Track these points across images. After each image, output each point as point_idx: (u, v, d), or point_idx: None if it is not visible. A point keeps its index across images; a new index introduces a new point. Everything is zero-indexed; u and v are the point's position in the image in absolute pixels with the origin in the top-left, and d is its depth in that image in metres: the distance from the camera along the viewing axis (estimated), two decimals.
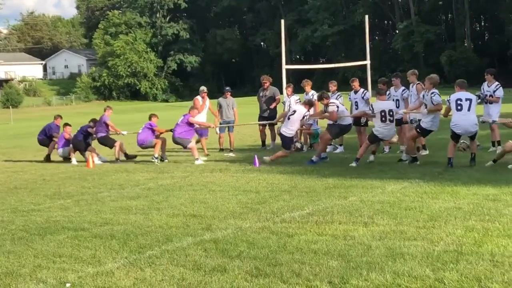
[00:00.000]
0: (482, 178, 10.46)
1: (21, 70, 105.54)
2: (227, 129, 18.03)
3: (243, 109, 28.99)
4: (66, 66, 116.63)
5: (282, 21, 22.01)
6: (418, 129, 12.94)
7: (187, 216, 8.68)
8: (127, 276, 6.03)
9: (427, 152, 14.53)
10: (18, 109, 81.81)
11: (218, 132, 18.36)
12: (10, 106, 75.51)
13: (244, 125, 21.33)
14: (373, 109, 13.66)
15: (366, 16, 22.30)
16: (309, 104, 14.70)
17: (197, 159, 15.23)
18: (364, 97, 16.20)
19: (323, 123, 15.91)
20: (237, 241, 7.03)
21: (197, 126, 16.24)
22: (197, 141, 17.23)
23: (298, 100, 17.63)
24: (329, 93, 16.39)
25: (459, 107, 12.03)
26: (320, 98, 14.64)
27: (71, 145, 17.38)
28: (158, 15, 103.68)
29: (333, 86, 16.71)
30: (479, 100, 13.57)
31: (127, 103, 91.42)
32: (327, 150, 16.35)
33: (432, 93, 12.74)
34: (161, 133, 16.59)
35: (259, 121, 18.43)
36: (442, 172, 11.45)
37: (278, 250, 6.60)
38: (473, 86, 13.51)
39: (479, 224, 7.22)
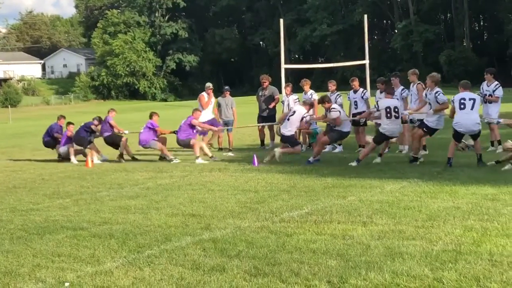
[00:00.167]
0: (481, 177, 10.46)
1: (20, 69, 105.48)
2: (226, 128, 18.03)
3: (242, 109, 29.00)
4: (64, 65, 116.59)
5: (281, 21, 22.00)
6: (424, 128, 12.88)
7: (186, 216, 8.68)
8: (126, 275, 6.04)
9: (426, 152, 14.52)
10: (17, 108, 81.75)
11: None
12: (9, 106, 75.45)
13: (244, 127, 21.30)
14: (378, 106, 13.63)
15: (365, 16, 22.29)
16: (309, 104, 14.70)
17: (197, 157, 15.22)
18: (364, 97, 16.23)
19: (322, 123, 15.88)
20: (236, 241, 7.03)
21: (199, 128, 16.20)
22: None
23: (297, 100, 17.64)
24: (329, 93, 16.43)
25: (462, 106, 12.02)
26: (321, 102, 14.60)
27: (73, 144, 17.39)
28: (157, 14, 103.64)
29: (332, 85, 16.71)
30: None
31: (126, 103, 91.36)
32: (326, 149, 16.38)
33: (436, 92, 12.70)
34: (163, 133, 16.59)
35: (258, 120, 18.42)
36: (441, 172, 11.45)
37: (277, 249, 6.60)
38: (473, 86, 13.46)
39: (478, 223, 7.23)
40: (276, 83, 19.02)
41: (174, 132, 16.35)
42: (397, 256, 6.05)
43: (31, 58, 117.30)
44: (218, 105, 18.22)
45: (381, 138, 13.48)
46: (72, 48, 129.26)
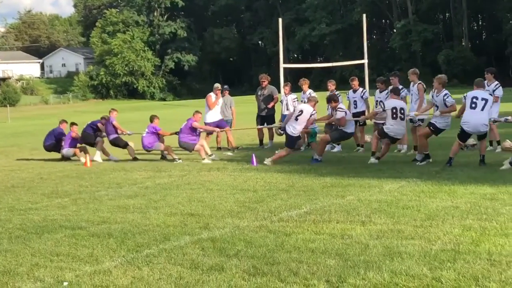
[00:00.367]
0: (480, 177, 10.47)
1: (19, 68, 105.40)
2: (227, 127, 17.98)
3: (241, 108, 29.04)
4: (63, 65, 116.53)
5: (280, 20, 21.98)
6: (431, 127, 12.77)
7: (184, 215, 8.68)
8: (125, 275, 6.03)
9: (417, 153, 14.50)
10: (16, 107, 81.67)
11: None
12: (8, 105, 75.37)
13: (243, 129, 21.27)
14: (384, 106, 13.59)
15: (364, 15, 22.28)
16: (314, 101, 14.62)
17: (203, 158, 15.20)
18: (363, 96, 16.23)
19: (321, 122, 15.87)
20: (235, 240, 7.03)
21: (200, 130, 16.15)
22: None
23: (295, 99, 17.64)
24: (328, 92, 16.41)
25: (473, 105, 11.92)
26: (329, 101, 14.56)
27: (78, 145, 17.38)
28: (155, 13, 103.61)
29: (331, 85, 16.70)
30: None
31: (125, 102, 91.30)
32: (325, 149, 16.38)
33: (445, 94, 12.60)
34: (165, 135, 16.58)
35: (257, 120, 18.41)
36: (440, 171, 11.45)
37: (276, 249, 6.60)
38: (471, 86, 13.46)
39: (477, 223, 7.23)
40: (275, 82, 19.02)
41: (176, 133, 16.33)
42: (395, 256, 6.05)
43: (29, 57, 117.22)
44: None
45: (384, 136, 13.44)
46: (70, 47, 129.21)
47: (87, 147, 17.39)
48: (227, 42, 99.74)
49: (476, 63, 69.50)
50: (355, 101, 16.32)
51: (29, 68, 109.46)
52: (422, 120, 14.74)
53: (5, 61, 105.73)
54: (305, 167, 13.08)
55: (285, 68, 20.57)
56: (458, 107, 12.56)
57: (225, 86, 18.85)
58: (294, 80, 20.65)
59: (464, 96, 12.26)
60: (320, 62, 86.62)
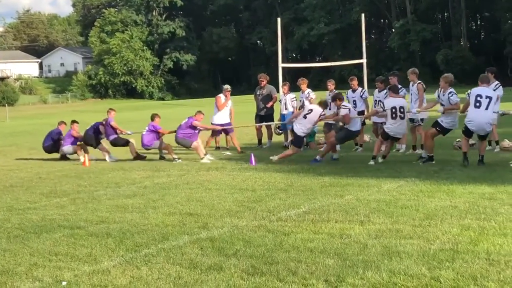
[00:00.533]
0: (478, 176, 10.47)
1: (17, 68, 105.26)
2: None
3: (240, 108, 29.00)
4: (62, 64, 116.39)
5: (279, 20, 21.93)
6: (438, 128, 12.63)
7: (183, 215, 8.68)
8: (123, 274, 6.03)
9: (423, 151, 14.49)
10: (14, 107, 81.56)
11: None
12: (6, 104, 75.27)
13: (243, 127, 21.28)
14: (384, 106, 13.57)
15: (363, 15, 22.22)
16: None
17: (202, 158, 15.18)
18: (363, 96, 16.20)
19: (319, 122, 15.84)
20: (233, 240, 7.03)
21: (200, 129, 16.11)
22: (208, 138, 17.53)
23: (294, 98, 17.64)
24: (327, 92, 16.43)
25: (477, 104, 11.79)
26: (334, 99, 14.54)
27: (78, 143, 17.34)
28: (154, 13, 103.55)
29: (331, 85, 16.70)
30: None
31: (123, 101, 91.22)
32: (323, 148, 16.37)
33: (450, 93, 12.47)
34: (164, 134, 16.55)
35: (256, 119, 18.39)
36: (438, 171, 11.45)
37: (274, 248, 6.61)
38: (471, 85, 13.47)
39: (475, 222, 7.23)
40: (274, 82, 19.00)
41: (175, 131, 16.33)
42: (394, 255, 6.06)
43: (28, 57, 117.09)
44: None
45: (386, 136, 13.43)
46: (69, 47, 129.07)
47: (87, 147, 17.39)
48: (226, 42, 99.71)
49: (474, 62, 69.51)
50: (354, 100, 16.30)
51: (28, 68, 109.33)
52: (422, 120, 14.74)
53: (3, 61, 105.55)
54: (303, 167, 13.08)
55: (283, 68, 20.54)
56: (462, 105, 12.51)
57: (225, 86, 18.81)
58: (292, 79, 20.67)
59: (468, 93, 12.17)
60: (319, 61, 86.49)
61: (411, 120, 14.48)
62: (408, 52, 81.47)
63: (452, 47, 79.15)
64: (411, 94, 14.87)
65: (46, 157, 18.14)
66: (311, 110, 14.12)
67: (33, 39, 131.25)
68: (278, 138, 18.62)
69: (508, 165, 11.79)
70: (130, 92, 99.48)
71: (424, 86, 14.89)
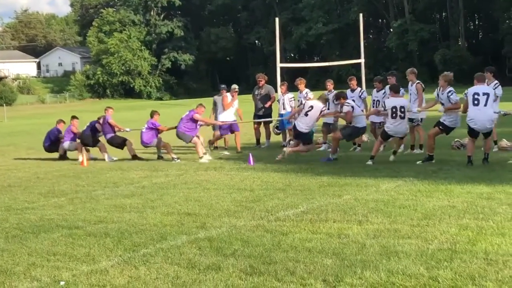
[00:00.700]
0: (476, 176, 10.48)
1: (15, 67, 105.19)
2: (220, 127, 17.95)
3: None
4: (60, 64, 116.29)
5: (277, 19, 21.95)
6: (440, 126, 12.60)
7: (181, 215, 8.67)
8: (122, 274, 6.03)
9: (421, 151, 14.50)
10: (12, 107, 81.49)
11: (214, 130, 18.29)
12: (4, 104, 75.22)
13: (241, 123, 21.26)
14: (385, 105, 13.54)
15: (361, 15, 22.25)
16: (324, 99, 14.58)
17: (200, 157, 15.16)
18: (362, 96, 16.18)
19: (318, 122, 15.85)
20: (232, 240, 7.03)
21: (201, 123, 16.03)
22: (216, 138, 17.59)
23: (292, 98, 17.65)
24: (326, 92, 16.42)
25: (475, 102, 11.73)
26: (337, 98, 14.53)
27: (78, 140, 17.32)
28: (152, 13, 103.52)
29: (330, 84, 16.71)
30: None
31: (121, 101, 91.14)
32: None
33: (449, 91, 12.47)
34: (164, 131, 16.50)
35: (254, 119, 18.37)
36: (436, 171, 11.45)
37: (273, 248, 6.60)
38: (469, 85, 13.47)
39: (473, 222, 7.24)
40: (272, 82, 19.02)
41: (175, 128, 16.32)
42: (392, 255, 6.06)
43: (26, 56, 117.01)
44: (214, 104, 18.18)
45: (386, 136, 13.42)
46: (67, 46, 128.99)
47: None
48: (224, 42, 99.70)
49: (472, 62, 69.52)
50: (353, 100, 16.26)
51: (26, 68, 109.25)
52: (421, 120, 14.74)
53: (1, 61, 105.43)
54: (302, 167, 13.08)
55: (282, 68, 20.57)
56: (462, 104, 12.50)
57: (223, 86, 18.81)
58: (291, 79, 20.67)
59: (466, 93, 12.12)
60: (317, 61, 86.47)
61: (410, 120, 14.46)
62: (406, 52, 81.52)
63: (450, 47, 79.25)
64: (410, 94, 14.87)
65: (44, 157, 18.13)
66: (312, 106, 14.07)
67: (31, 39, 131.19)
68: (276, 138, 18.62)
69: (506, 164, 11.80)
70: (128, 92, 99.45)
71: (423, 85, 14.88)
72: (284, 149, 14.42)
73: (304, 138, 14.23)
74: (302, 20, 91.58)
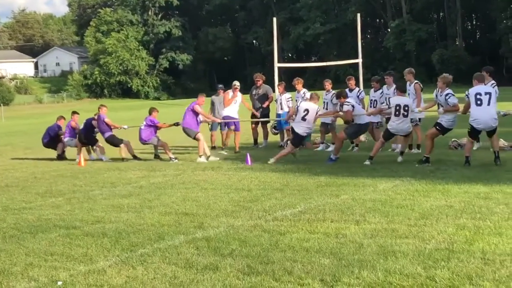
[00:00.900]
0: (473, 176, 10.49)
1: (12, 67, 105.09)
2: (219, 127, 17.95)
3: None
4: (57, 64, 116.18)
5: (274, 19, 21.95)
6: (438, 127, 12.55)
7: (179, 214, 8.67)
8: (119, 274, 6.03)
9: (419, 151, 14.51)
10: (9, 107, 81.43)
11: (211, 130, 18.27)
12: (1, 104, 75.12)
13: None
14: (389, 103, 13.50)
15: (358, 15, 22.25)
16: (316, 98, 14.53)
17: (200, 156, 15.12)
18: (359, 96, 16.12)
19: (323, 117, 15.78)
20: (229, 239, 7.03)
21: (201, 118, 15.95)
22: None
23: (290, 98, 17.63)
24: (324, 92, 16.41)
25: (478, 102, 11.64)
26: (338, 97, 14.50)
27: (77, 139, 17.30)
28: (150, 12, 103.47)
29: (328, 84, 16.69)
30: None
31: (119, 101, 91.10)
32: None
33: (447, 94, 12.42)
34: (163, 128, 16.44)
35: (251, 119, 18.35)
36: (434, 171, 11.46)
37: (270, 248, 6.61)
38: (466, 85, 13.46)
39: (470, 222, 7.25)
40: (270, 81, 19.00)
41: (175, 124, 16.28)
42: (390, 255, 6.06)
43: (23, 56, 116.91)
44: (212, 104, 18.15)
45: (388, 135, 13.38)
46: (65, 46, 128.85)
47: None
48: (222, 42, 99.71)
49: (470, 62, 69.64)
50: None
51: (23, 67, 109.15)
52: (420, 120, 14.74)
53: None
54: (299, 167, 13.08)
55: (279, 68, 20.56)
56: (461, 106, 12.47)
57: (220, 86, 18.80)
58: (288, 79, 20.65)
59: (467, 94, 12.05)
60: (315, 61, 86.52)
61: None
62: (403, 52, 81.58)
63: (447, 47, 79.35)
64: (408, 94, 14.85)
65: (42, 156, 18.12)
66: (307, 110, 13.98)
67: (28, 39, 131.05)
68: (274, 138, 18.62)
69: (503, 164, 11.79)
70: (126, 92, 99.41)
71: (421, 85, 14.89)
72: (269, 162, 14.18)
73: (296, 138, 14.15)
74: (299, 20, 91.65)
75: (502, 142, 14.34)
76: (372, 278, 5.43)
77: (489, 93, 11.75)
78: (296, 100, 17.23)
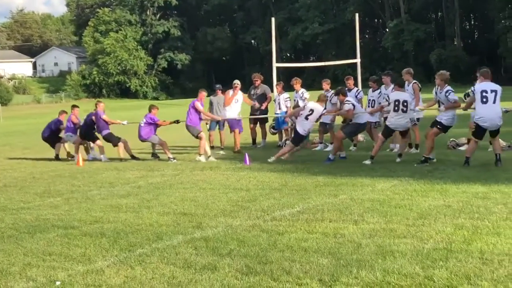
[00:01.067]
0: (472, 176, 10.50)
1: (11, 67, 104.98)
2: (217, 127, 17.93)
3: None
4: (56, 64, 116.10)
5: (273, 19, 21.96)
6: (438, 126, 12.46)
7: (177, 214, 8.67)
8: (117, 274, 6.03)
9: (417, 151, 14.52)
10: (8, 107, 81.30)
11: (209, 129, 18.25)
12: (0, 104, 75.08)
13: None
14: (389, 98, 13.47)
15: (357, 14, 22.27)
16: (323, 100, 14.54)
17: (200, 154, 15.09)
18: (358, 96, 16.12)
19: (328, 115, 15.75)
20: (228, 239, 7.03)
21: (202, 116, 15.92)
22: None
23: (288, 98, 17.63)
24: (323, 91, 16.40)
25: (484, 99, 11.48)
26: (337, 94, 14.51)
27: (78, 136, 17.25)
28: (148, 12, 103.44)
29: (326, 84, 16.69)
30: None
31: (117, 101, 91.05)
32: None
33: (447, 91, 12.34)
34: (163, 125, 16.40)
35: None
36: (432, 170, 11.47)
37: (269, 248, 6.61)
38: (465, 84, 13.46)
39: (469, 222, 7.25)
40: (268, 81, 19.01)
41: (175, 122, 16.21)
42: (388, 255, 6.07)
43: (22, 56, 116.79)
44: (210, 104, 18.14)
45: (388, 131, 13.34)
46: (63, 46, 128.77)
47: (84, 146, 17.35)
48: (220, 42, 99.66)
49: (468, 62, 69.68)
50: None
51: (21, 67, 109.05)
52: (418, 120, 14.74)
53: None
54: (298, 166, 13.08)
55: (278, 67, 20.57)
56: (462, 104, 12.44)
57: (218, 86, 18.79)
58: (287, 79, 20.70)
59: (473, 91, 11.91)
60: (313, 61, 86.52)
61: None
62: (401, 52, 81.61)
63: (445, 46, 79.36)
64: None
65: (40, 157, 18.11)
66: (312, 110, 14.00)
67: (26, 39, 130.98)
68: (272, 138, 18.63)
69: (501, 164, 11.79)
70: (124, 92, 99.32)
71: (419, 85, 14.88)
72: (269, 160, 14.20)
73: (295, 137, 14.16)
74: (298, 20, 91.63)
75: (500, 142, 14.35)
76: (371, 278, 5.43)
77: (495, 91, 11.58)
78: (294, 100, 17.24)
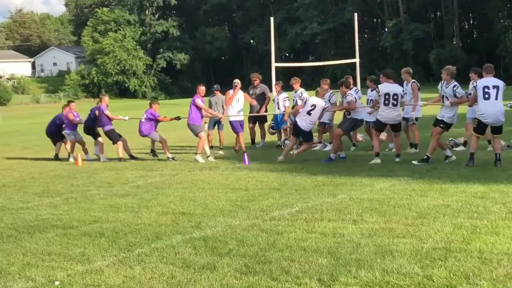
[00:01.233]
0: (471, 175, 10.50)
1: (10, 67, 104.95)
2: (216, 126, 17.91)
3: None
4: (54, 64, 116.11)
5: (272, 19, 21.98)
6: (441, 125, 12.38)
7: (176, 214, 8.67)
8: (116, 274, 6.03)
9: (416, 150, 14.52)
10: (7, 106, 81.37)
11: (207, 129, 18.22)
12: None
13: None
14: (379, 90, 13.42)
15: (355, 14, 22.31)
16: (322, 93, 14.51)
17: (198, 154, 15.03)
18: (357, 96, 16.11)
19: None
20: (227, 239, 7.04)
21: (204, 113, 15.86)
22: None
23: (287, 98, 17.62)
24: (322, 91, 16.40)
25: (486, 95, 11.39)
26: (341, 85, 14.49)
27: (78, 135, 17.18)
28: (147, 12, 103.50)
29: (325, 84, 16.64)
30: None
31: (116, 101, 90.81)
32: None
33: (454, 86, 12.28)
34: (163, 121, 16.35)
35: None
36: (431, 170, 11.47)
37: (268, 247, 6.61)
38: (464, 84, 13.43)
39: (468, 221, 7.25)
40: (267, 81, 19.02)
41: (176, 118, 16.19)
42: (387, 254, 6.07)
43: (20, 56, 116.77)
44: (209, 105, 18.11)
45: (379, 125, 13.30)
46: (62, 46, 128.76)
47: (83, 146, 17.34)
48: (219, 41, 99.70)
49: (467, 62, 69.64)
50: None
51: (20, 67, 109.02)
52: (416, 119, 14.73)
53: None
54: (297, 166, 13.08)
55: (277, 67, 20.60)
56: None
57: (216, 86, 18.76)
58: (286, 79, 20.70)
59: (475, 86, 11.86)
60: (312, 61, 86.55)
61: (405, 119, 14.45)
62: (400, 52, 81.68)
63: (444, 46, 79.42)
64: (406, 94, 14.84)
65: (39, 156, 18.10)
66: (314, 105, 13.98)
67: (25, 39, 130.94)
68: (271, 138, 18.63)
69: (500, 164, 11.78)
70: (123, 92, 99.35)
71: (418, 85, 14.88)
72: (292, 152, 14.21)
73: (305, 135, 14.17)
74: (297, 20, 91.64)
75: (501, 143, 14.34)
76: (370, 278, 5.43)
77: (497, 87, 11.50)
78: (293, 100, 17.22)
